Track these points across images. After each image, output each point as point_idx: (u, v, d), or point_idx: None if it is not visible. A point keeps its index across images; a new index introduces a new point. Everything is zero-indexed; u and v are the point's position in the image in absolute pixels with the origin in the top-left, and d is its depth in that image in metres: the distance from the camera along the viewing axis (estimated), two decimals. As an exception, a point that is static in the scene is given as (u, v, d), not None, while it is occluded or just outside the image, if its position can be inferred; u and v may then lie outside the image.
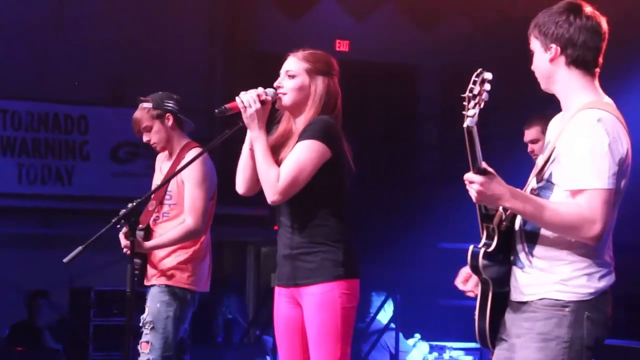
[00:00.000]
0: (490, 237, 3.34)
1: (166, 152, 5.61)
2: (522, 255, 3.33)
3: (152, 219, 5.46)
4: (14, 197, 11.16)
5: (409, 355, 9.74)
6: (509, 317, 3.35)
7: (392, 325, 9.72)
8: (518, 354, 3.29)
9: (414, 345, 9.88)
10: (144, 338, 5.35)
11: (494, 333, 3.39)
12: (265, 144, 4.03)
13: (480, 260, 3.31)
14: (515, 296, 3.35)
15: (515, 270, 3.34)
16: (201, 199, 5.36)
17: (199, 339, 8.53)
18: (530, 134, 5.94)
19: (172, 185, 5.45)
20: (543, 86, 3.43)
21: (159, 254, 5.41)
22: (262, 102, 4.06)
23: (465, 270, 3.51)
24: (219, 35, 12.89)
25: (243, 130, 4.11)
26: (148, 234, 5.42)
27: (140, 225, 5.36)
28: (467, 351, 9.73)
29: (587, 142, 3.20)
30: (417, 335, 10.00)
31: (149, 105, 5.52)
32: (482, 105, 3.11)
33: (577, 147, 3.21)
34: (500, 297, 3.37)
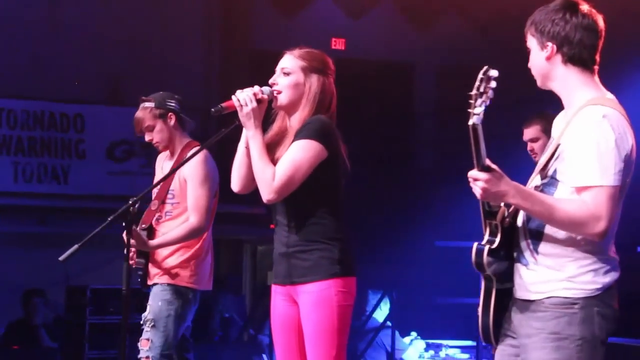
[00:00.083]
0: (493, 234, 3.34)
1: (167, 152, 5.62)
2: (526, 252, 3.33)
3: (154, 218, 5.47)
4: (10, 196, 11.16)
5: (405, 353, 9.74)
6: (516, 315, 3.35)
7: (389, 323, 9.72)
8: (531, 355, 3.29)
9: (410, 343, 9.88)
10: (144, 335, 5.38)
11: (498, 329, 3.39)
12: (261, 143, 4.03)
13: (485, 257, 3.32)
14: (520, 294, 3.35)
15: (520, 267, 3.34)
16: (204, 197, 5.38)
17: (196, 337, 8.54)
18: (529, 132, 5.93)
19: (175, 184, 5.47)
20: (539, 83, 3.43)
21: (162, 253, 5.43)
22: (258, 101, 4.06)
23: None
24: (215, 33, 12.89)
25: (239, 129, 4.11)
26: (151, 233, 5.44)
27: (143, 225, 5.39)
28: (463, 349, 9.73)
29: (593, 138, 3.20)
30: (414, 333, 10.00)
31: (151, 104, 5.53)
32: (487, 103, 3.11)
33: (582, 144, 3.21)
34: (504, 294, 3.37)
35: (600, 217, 3.17)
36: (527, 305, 3.32)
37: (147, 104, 5.54)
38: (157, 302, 5.38)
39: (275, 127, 4.20)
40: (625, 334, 7.71)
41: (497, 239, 3.33)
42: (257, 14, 12.86)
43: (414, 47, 13.20)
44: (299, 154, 3.99)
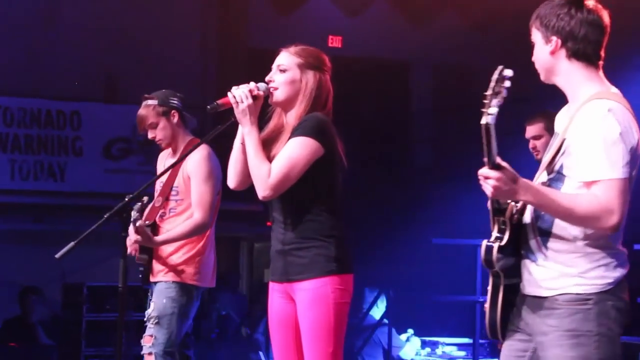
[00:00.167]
0: (501, 231, 3.35)
1: (169, 150, 5.65)
2: (535, 249, 3.33)
3: (158, 214, 5.49)
4: (7, 194, 11.15)
5: (401, 351, 9.75)
6: (528, 313, 3.36)
7: (385, 320, 9.73)
8: (548, 352, 3.30)
9: (407, 341, 9.89)
10: (147, 332, 5.41)
11: (505, 324, 3.40)
12: (256, 140, 4.04)
13: (495, 255, 3.32)
14: (530, 290, 3.35)
15: (529, 263, 3.35)
16: (208, 194, 5.41)
17: (193, 335, 8.55)
18: (532, 130, 5.93)
19: (179, 180, 5.50)
20: (543, 78, 3.44)
21: (166, 249, 5.46)
22: (254, 97, 4.06)
23: None
24: (211, 30, 12.89)
25: (235, 126, 4.11)
26: (154, 230, 5.47)
27: (147, 222, 5.41)
28: (460, 346, 9.73)
29: (599, 132, 3.20)
30: (410, 331, 10.00)
31: (154, 102, 5.57)
32: (501, 103, 3.12)
33: (588, 138, 3.22)
34: (511, 289, 3.38)
35: (613, 210, 3.18)
36: (538, 302, 3.33)
37: (149, 102, 5.57)
38: (162, 300, 5.40)
39: (271, 124, 4.20)
40: (625, 331, 7.73)
41: (506, 236, 3.34)
42: (254, 12, 12.86)
43: (411, 44, 13.19)
44: (295, 151, 3.99)
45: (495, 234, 3.36)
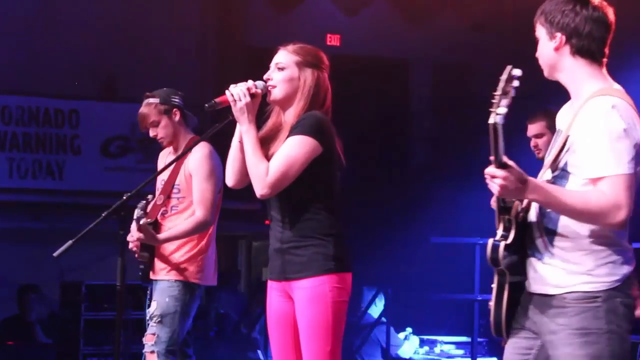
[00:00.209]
0: (507, 229, 3.35)
1: (170, 148, 5.66)
2: (541, 247, 3.33)
3: (160, 212, 5.50)
4: (5, 192, 11.15)
5: (400, 349, 9.75)
6: (534, 311, 3.36)
7: (384, 319, 9.73)
8: (558, 351, 3.29)
9: (405, 339, 9.89)
10: (150, 330, 5.42)
11: (509, 322, 3.41)
12: (254, 138, 4.04)
13: (501, 253, 3.32)
14: (536, 288, 3.35)
15: (535, 262, 3.34)
16: (210, 192, 5.42)
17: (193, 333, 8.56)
18: (534, 128, 5.92)
19: (180, 178, 5.51)
20: (546, 74, 3.43)
21: (168, 247, 5.47)
22: (252, 96, 4.06)
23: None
24: (210, 29, 12.88)
25: (233, 124, 4.11)
26: (156, 227, 5.47)
27: (149, 220, 5.41)
28: (458, 345, 9.74)
29: (604, 129, 3.20)
30: (409, 329, 10.01)
31: (155, 100, 5.58)
32: (510, 103, 3.11)
33: (593, 135, 3.21)
34: (516, 287, 3.38)
35: (621, 205, 3.18)
36: (545, 300, 3.33)
37: (151, 100, 5.59)
38: (165, 298, 5.41)
39: (269, 123, 4.20)
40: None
41: (512, 234, 3.34)
42: (253, 11, 12.85)
43: (410, 43, 13.19)
44: (293, 149, 3.99)
45: (500, 232, 3.36)
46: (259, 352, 9.97)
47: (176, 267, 5.45)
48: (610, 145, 3.19)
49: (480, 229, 9.37)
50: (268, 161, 4.01)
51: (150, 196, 5.46)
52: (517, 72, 3.14)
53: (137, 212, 5.34)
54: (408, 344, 9.80)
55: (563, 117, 3.44)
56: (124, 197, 4.48)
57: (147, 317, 5.45)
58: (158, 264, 5.49)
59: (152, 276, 5.53)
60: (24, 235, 11.45)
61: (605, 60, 3.38)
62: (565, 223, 3.28)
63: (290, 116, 4.12)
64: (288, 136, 4.04)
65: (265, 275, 11.65)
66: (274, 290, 4.17)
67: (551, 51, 3.38)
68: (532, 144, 5.94)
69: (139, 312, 8.32)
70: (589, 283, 3.26)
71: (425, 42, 13.03)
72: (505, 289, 3.38)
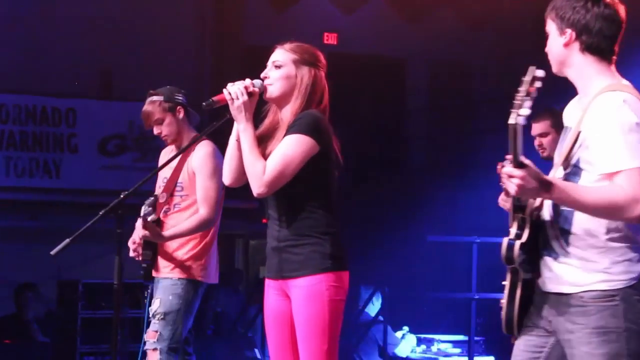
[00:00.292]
0: (521, 228, 3.35)
1: (172, 147, 5.67)
2: (555, 245, 3.32)
3: (162, 210, 5.50)
4: (2, 191, 11.15)
5: (397, 348, 9.76)
6: (549, 310, 3.35)
7: (381, 318, 9.74)
8: (577, 350, 3.29)
9: (402, 338, 9.90)
10: (152, 327, 5.43)
11: (521, 320, 3.41)
12: (252, 136, 4.04)
13: (516, 251, 3.32)
14: (551, 287, 3.34)
15: (549, 260, 3.34)
16: (214, 190, 5.44)
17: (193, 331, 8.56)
18: (538, 127, 5.91)
19: (184, 176, 5.52)
20: (555, 69, 3.42)
21: (172, 245, 5.48)
22: (250, 94, 4.06)
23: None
24: (207, 27, 12.88)
25: (230, 122, 4.11)
26: (158, 226, 5.48)
27: (154, 217, 5.42)
28: (455, 344, 9.75)
29: (616, 123, 3.20)
30: (406, 328, 10.02)
31: (159, 98, 5.60)
32: (532, 103, 3.11)
33: (606, 130, 3.21)
34: (528, 285, 3.38)
35: (639, 199, 3.17)
36: (561, 299, 3.32)
37: (155, 98, 5.61)
38: (168, 296, 5.43)
39: (267, 121, 4.20)
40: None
41: (526, 233, 3.34)
42: (250, 9, 12.85)
43: (406, 42, 13.19)
44: (290, 148, 3.99)
45: (514, 230, 3.36)
46: (256, 350, 9.97)
47: (180, 265, 5.46)
48: (624, 139, 3.18)
49: (477, 227, 9.41)
50: (265, 160, 4.01)
51: (157, 193, 5.47)
52: (540, 73, 3.14)
53: (144, 209, 5.34)
54: (405, 342, 9.81)
55: (571, 113, 3.43)
56: (121, 196, 4.47)
57: (150, 315, 5.46)
58: (161, 261, 5.50)
59: (154, 274, 5.54)
60: (21, 234, 11.45)
61: (614, 57, 3.37)
62: (579, 221, 3.28)
63: (287, 114, 4.12)
64: (285, 135, 4.04)
65: (262, 274, 11.65)
66: (271, 289, 4.17)
67: (560, 47, 3.37)
68: (536, 143, 5.93)
69: (136, 310, 8.33)
70: (606, 281, 3.26)
71: (423, 40, 13.04)
72: (518, 287, 3.38)
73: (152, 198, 5.42)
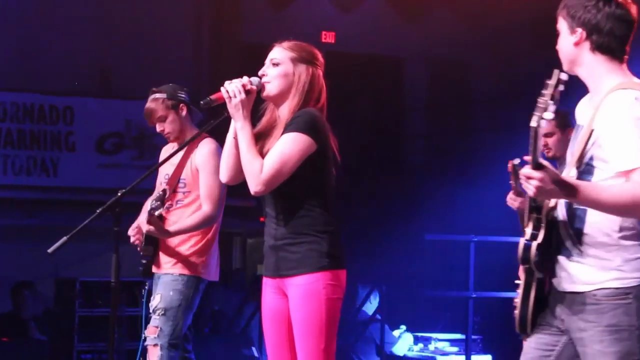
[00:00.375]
0: (536, 228, 3.35)
1: (174, 144, 5.67)
2: (569, 245, 3.33)
3: (165, 206, 5.51)
4: (-1, 189, 11.14)
5: (394, 347, 9.77)
6: (562, 309, 3.36)
7: (378, 316, 9.74)
8: (589, 348, 3.29)
9: (400, 337, 9.91)
10: (152, 323, 5.45)
11: (534, 319, 3.41)
12: (249, 135, 4.04)
13: (533, 252, 3.32)
14: (565, 286, 3.35)
15: (563, 260, 3.34)
16: (217, 187, 5.46)
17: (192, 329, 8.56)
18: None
19: (187, 173, 5.55)
20: (566, 68, 3.41)
21: (174, 242, 5.51)
22: (247, 92, 4.06)
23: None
24: (204, 25, 12.87)
25: (228, 120, 4.11)
26: (161, 222, 5.47)
27: (162, 211, 5.44)
28: (452, 342, 9.76)
29: (630, 120, 3.20)
30: (403, 327, 10.03)
31: (162, 95, 5.63)
32: (555, 107, 3.11)
33: (620, 128, 3.21)
34: (542, 285, 3.39)
35: None
36: (575, 297, 3.32)
37: (158, 95, 5.64)
38: (169, 292, 5.45)
39: (264, 120, 4.20)
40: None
41: (541, 233, 3.34)
42: (248, 7, 12.84)
43: (404, 40, 13.19)
44: (287, 146, 3.99)
45: (530, 231, 3.36)
46: (254, 348, 9.96)
47: (182, 261, 5.50)
48: (639, 136, 3.18)
49: (474, 226, 9.42)
50: (263, 158, 4.01)
51: (166, 187, 5.48)
52: (564, 76, 3.14)
53: (152, 203, 5.35)
54: (402, 341, 9.81)
55: (582, 112, 3.43)
56: (119, 194, 4.48)
57: (150, 310, 5.47)
58: (163, 257, 5.53)
59: (155, 270, 5.56)
60: (18, 232, 11.44)
61: (626, 57, 3.37)
62: (592, 220, 3.28)
63: (284, 112, 4.12)
64: (282, 133, 4.04)
65: (260, 272, 11.64)
66: (268, 287, 4.18)
67: (571, 46, 3.37)
68: (541, 143, 5.92)
69: (133, 308, 8.33)
70: (619, 279, 3.26)
71: (421, 39, 13.03)
72: (532, 287, 3.39)
73: (160, 192, 5.43)
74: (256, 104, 4.15)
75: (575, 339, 3.34)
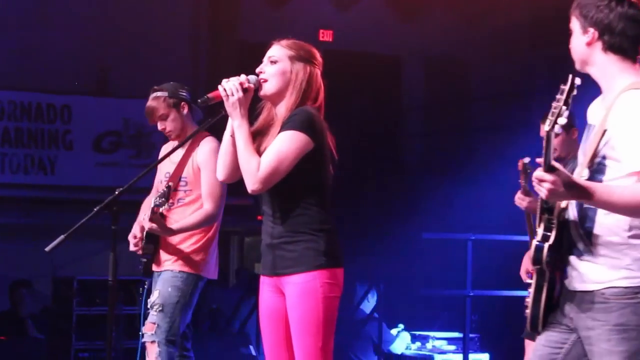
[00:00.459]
0: (548, 229, 3.36)
1: (175, 142, 5.66)
2: (580, 245, 3.34)
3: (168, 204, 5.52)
4: (-3, 187, 11.13)
5: (392, 345, 9.77)
6: (572, 308, 3.37)
7: (376, 315, 9.74)
8: (596, 347, 3.30)
9: (397, 335, 9.91)
10: (150, 319, 5.46)
11: (546, 319, 3.42)
12: (246, 133, 4.04)
13: (545, 253, 3.34)
14: (575, 285, 3.36)
15: (574, 260, 3.35)
16: (218, 185, 5.47)
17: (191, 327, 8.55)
18: None
19: (188, 171, 5.57)
20: (578, 67, 3.42)
21: (175, 240, 5.53)
22: (245, 90, 4.06)
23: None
24: (203, 23, 12.86)
25: (225, 118, 4.12)
26: (162, 219, 5.48)
27: (165, 208, 5.45)
28: (450, 341, 9.76)
29: None
30: (401, 325, 10.03)
31: (164, 94, 5.65)
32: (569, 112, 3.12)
33: (633, 127, 3.21)
34: (554, 285, 3.40)
35: None
36: (584, 296, 3.33)
37: (159, 94, 5.66)
38: (167, 288, 5.47)
39: (261, 118, 4.20)
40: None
41: (553, 234, 3.35)
42: (246, 5, 12.84)
43: (402, 39, 13.18)
44: (284, 145, 3.99)
45: (541, 232, 3.37)
46: (251, 347, 9.96)
47: (182, 258, 5.51)
48: None
49: (472, 225, 9.42)
50: (260, 156, 4.01)
51: (171, 183, 5.49)
52: (578, 81, 3.14)
53: (156, 200, 5.35)
54: (400, 339, 9.81)
55: (594, 112, 3.43)
56: (116, 192, 4.48)
57: (148, 306, 5.48)
58: (163, 255, 5.55)
59: (155, 268, 5.57)
60: (15, 231, 11.43)
61: (639, 57, 3.36)
62: (602, 219, 3.29)
63: (281, 110, 4.12)
64: (280, 131, 4.04)
65: (257, 271, 11.64)
66: (265, 286, 4.17)
67: (583, 45, 3.37)
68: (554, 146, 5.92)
69: (131, 307, 8.34)
70: (627, 278, 3.27)
71: (418, 38, 13.03)
72: (544, 287, 3.40)
73: (165, 189, 5.43)
74: (253, 102, 4.15)
75: (584, 337, 3.34)
